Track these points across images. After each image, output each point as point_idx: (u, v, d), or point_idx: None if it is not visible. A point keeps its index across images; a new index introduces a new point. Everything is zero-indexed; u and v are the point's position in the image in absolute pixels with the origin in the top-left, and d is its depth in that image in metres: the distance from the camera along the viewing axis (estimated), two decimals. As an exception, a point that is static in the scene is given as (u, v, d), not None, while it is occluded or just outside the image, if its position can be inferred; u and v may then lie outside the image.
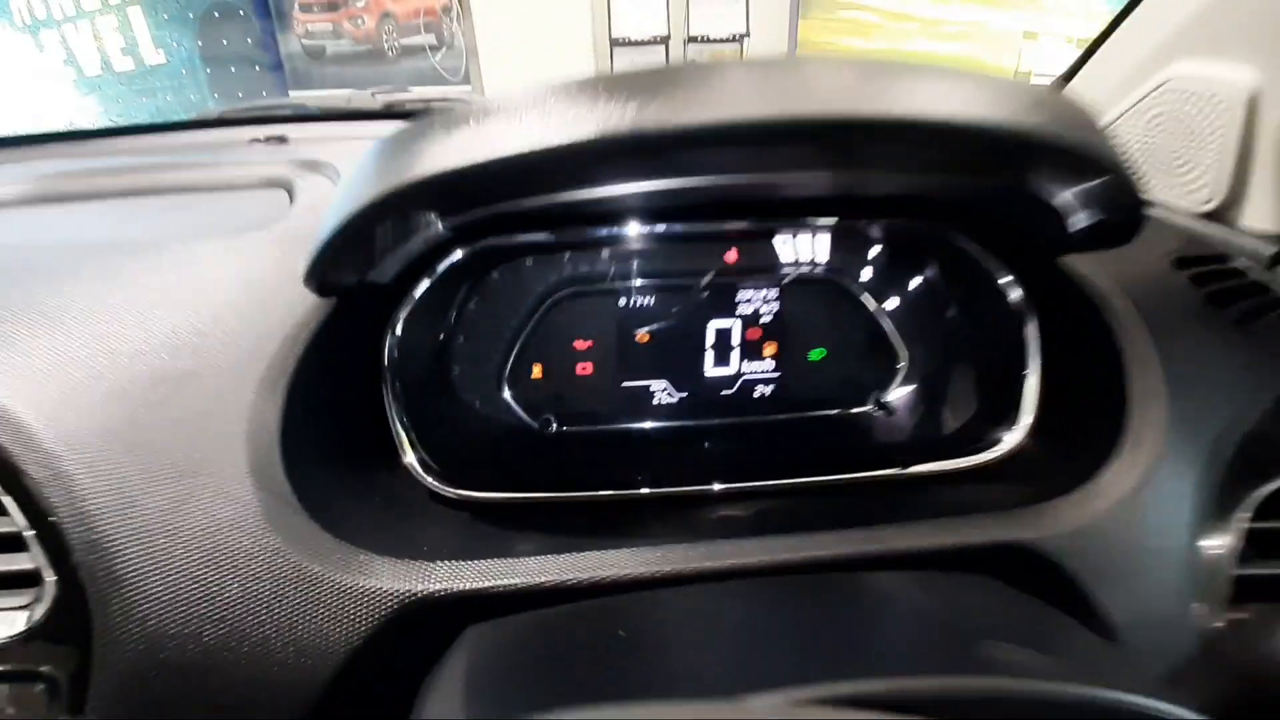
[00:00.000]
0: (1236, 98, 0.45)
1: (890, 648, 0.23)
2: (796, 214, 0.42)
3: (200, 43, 3.03)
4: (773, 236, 0.42)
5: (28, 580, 0.26)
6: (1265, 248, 0.44)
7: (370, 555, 0.28)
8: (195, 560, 0.26)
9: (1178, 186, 0.50)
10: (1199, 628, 0.28)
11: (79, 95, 2.91)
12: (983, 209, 0.37)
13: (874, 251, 0.43)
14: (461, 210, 0.32)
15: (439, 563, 0.29)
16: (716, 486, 0.38)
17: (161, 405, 0.29)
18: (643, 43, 2.89)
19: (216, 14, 3.04)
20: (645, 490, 0.38)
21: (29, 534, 0.26)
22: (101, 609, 0.25)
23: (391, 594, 0.28)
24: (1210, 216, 0.50)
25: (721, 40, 2.88)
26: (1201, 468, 0.31)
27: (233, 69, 3.13)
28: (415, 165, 0.24)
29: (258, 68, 3.18)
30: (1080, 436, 0.34)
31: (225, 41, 3.09)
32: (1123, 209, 0.28)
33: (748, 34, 2.86)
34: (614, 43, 2.88)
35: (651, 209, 0.40)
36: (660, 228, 0.40)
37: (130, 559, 0.25)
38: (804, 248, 0.43)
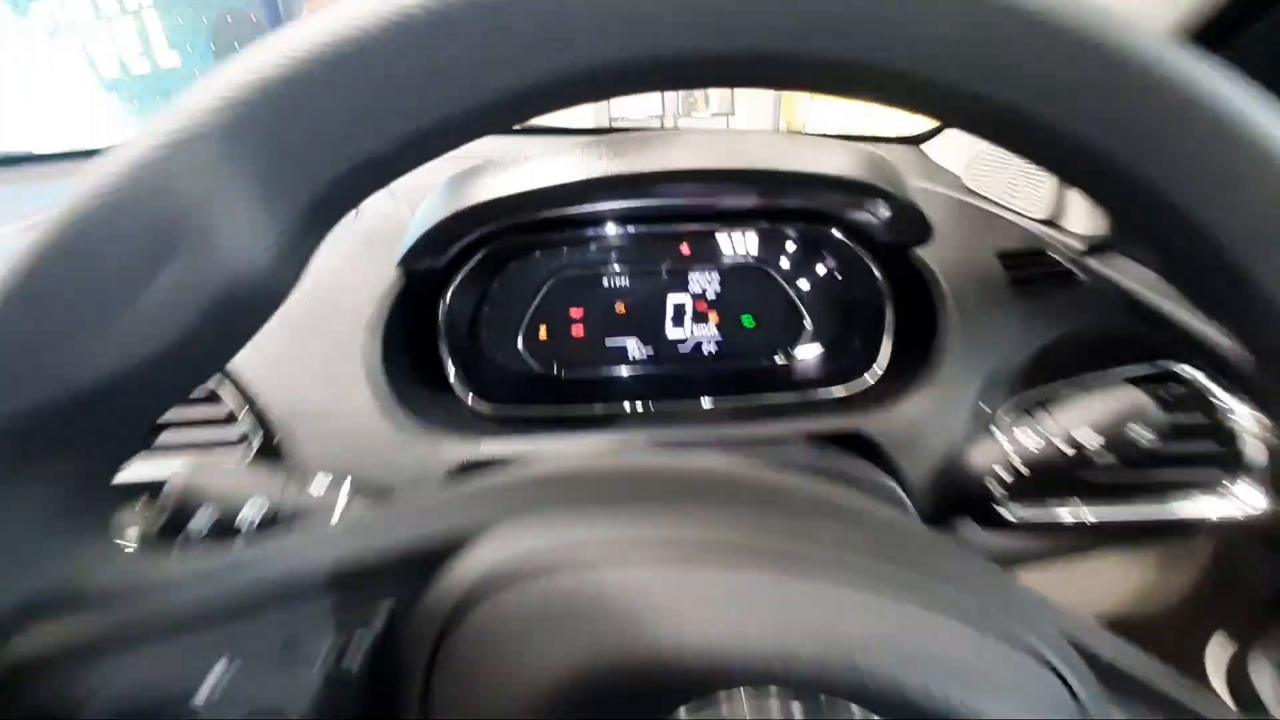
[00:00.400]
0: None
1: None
2: (733, 220, 0.58)
3: (213, 46, 3.18)
4: (715, 235, 0.58)
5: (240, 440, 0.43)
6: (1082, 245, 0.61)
7: (439, 436, 0.45)
8: (339, 430, 0.42)
9: (1024, 198, 0.67)
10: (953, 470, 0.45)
11: (97, 96, 3.05)
12: (841, 216, 0.53)
13: (789, 247, 0.59)
14: (503, 219, 0.49)
15: (482, 442, 0.45)
16: (673, 405, 0.55)
17: (307, 343, 0.45)
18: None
19: (229, 18, 3.18)
20: (623, 407, 0.54)
21: (241, 412, 0.42)
22: (288, 455, 0.41)
23: (452, 459, 0.44)
24: (1048, 222, 0.66)
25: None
26: (978, 389, 0.48)
27: (244, 71, 3.27)
28: (485, 191, 0.40)
29: (267, 70, 3.32)
30: (908, 372, 0.51)
31: (237, 44, 3.23)
32: (907, 213, 0.45)
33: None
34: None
35: (626, 217, 0.56)
36: (632, 229, 0.57)
37: (299, 428, 0.42)
38: (738, 243, 0.59)
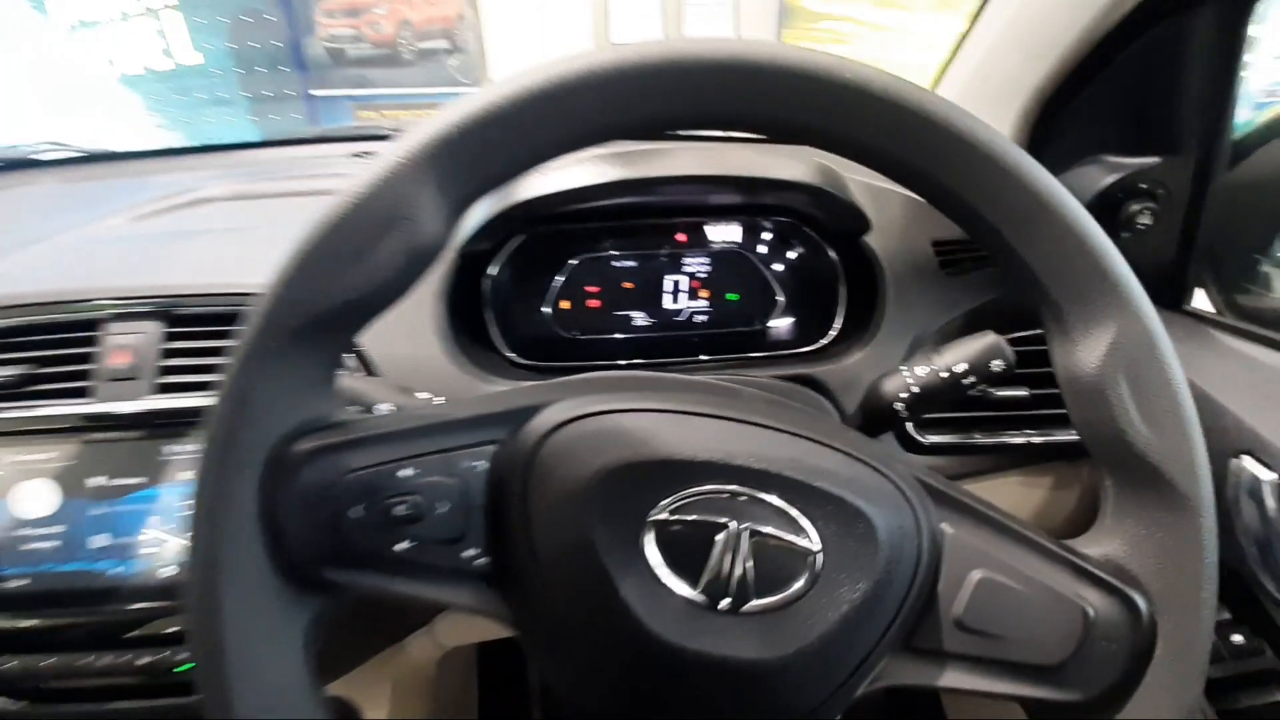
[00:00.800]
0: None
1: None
2: (719, 214, 0.72)
3: (232, 45, 3.31)
4: (705, 226, 0.72)
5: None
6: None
7: (489, 379, 0.59)
8: (418, 370, 0.56)
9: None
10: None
11: (121, 92, 3.19)
12: (805, 211, 0.67)
13: (765, 236, 0.73)
14: (537, 212, 0.63)
15: (524, 384, 0.59)
16: (667, 361, 0.69)
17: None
18: (639, 48, 3.17)
19: (247, 18, 3.32)
20: (623, 364, 0.68)
21: (348, 359, 0.56)
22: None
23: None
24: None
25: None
26: (906, 347, 0.62)
27: (261, 69, 3.41)
28: (523, 192, 0.54)
29: (283, 68, 3.46)
30: (854, 335, 0.65)
31: (254, 44, 3.37)
32: (844, 208, 0.59)
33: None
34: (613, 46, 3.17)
35: (633, 211, 0.70)
36: (637, 221, 0.70)
37: (390, 368, 0.56)
38: (724, 233, 0.72)
